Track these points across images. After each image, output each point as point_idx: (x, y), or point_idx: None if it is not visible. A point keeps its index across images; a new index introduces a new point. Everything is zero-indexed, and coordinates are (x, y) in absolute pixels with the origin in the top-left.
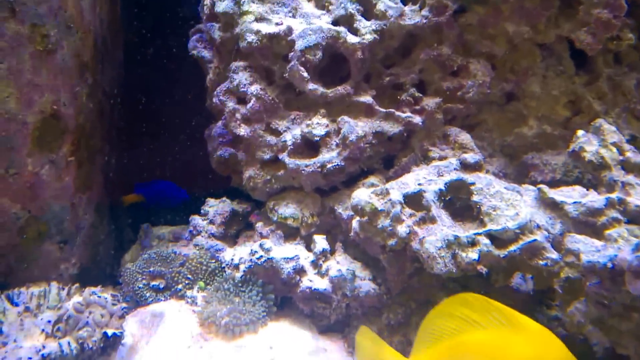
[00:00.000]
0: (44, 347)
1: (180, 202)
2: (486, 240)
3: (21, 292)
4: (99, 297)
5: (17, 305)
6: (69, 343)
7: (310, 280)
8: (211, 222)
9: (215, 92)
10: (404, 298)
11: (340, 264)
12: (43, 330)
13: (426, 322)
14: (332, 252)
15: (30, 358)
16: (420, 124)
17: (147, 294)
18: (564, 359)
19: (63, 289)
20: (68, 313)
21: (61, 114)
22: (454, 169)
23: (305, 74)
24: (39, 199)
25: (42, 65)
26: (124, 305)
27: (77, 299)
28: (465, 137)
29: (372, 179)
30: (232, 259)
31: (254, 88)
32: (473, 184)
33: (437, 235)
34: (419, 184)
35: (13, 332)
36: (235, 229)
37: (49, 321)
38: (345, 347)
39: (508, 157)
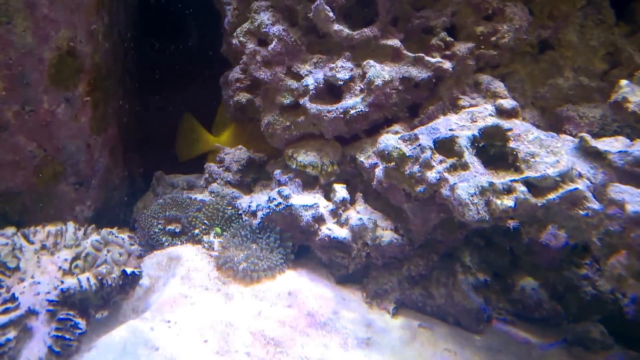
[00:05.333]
0: (62, 282)
1: None
2: (523, 188)
3: (37, 230)
4: (117, 236)
5: (33, 243)
6: (88, 279)
7: (329, 229)
8: (227, 169)
9: (235, 33)
10: (425, 250)
11: (360, 213)
12: (60, 267)
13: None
14: (352, 202)
15: (49, 293)
16: (451, 69)
17: (163, 238)
18: None
19: (79, 229)
20: (86, 251)
21: (77, 52)
22: (489, 114)
23: (331, 14)
24: (55, 138)
25: None
26: (140, 248)
27: (95, 237)
28: (498, 85)
29: (396, 127)
30: (250, 206)
31: (277, 28)
32: (510, 129)
33: (469, 181)
34: (451, 130)
35: (30, 268)
36: (252, 177)
37: (66, 259)
38: (363, 298)
39: (539, 110)
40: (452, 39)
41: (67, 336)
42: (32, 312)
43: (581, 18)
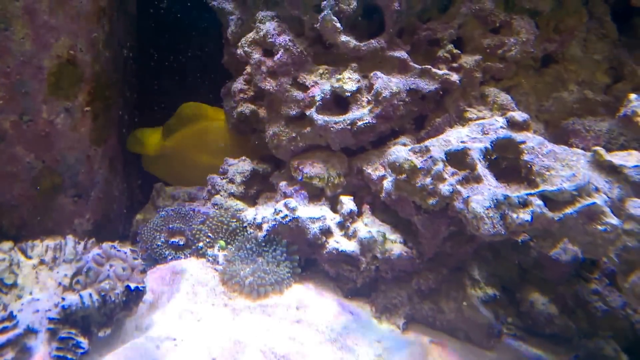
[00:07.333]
0: (63, 299)
1: None
2: (539, 201)
3: (35, 244)
4: (119, 250)
5: (31, 257)
6: (90, 295)
7: (337, 242)
8: (231, 180)
9: (239, 43)
10: (435, 264)
11: (368, 225)
12: (60, 283)
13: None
14: (359, 214)
15: (49, 310)
16: (458, 82)
17: (166, 252)
18: None
19: (79, 243)
20: (88, 265)
21: (78, 60)
22: (500, 126)
23: (338, 25)
24: (54, 149)
25: (59, 6)
26: (143, 262)
27: (96, 251)
28: (505, 98)
29: (403, 139)
30: (255, 218)
31: (283, 39)
32: (523, 142)
33: (484, 194)
34: (462, 142)
35: (28, 285)
36: (256, 189)
37: (67, 274)
38: (372, 312)
39: (543, 123)
40: (459, 51)
41: (69, 356)
42: (31, 331)
43: (584, 32)
